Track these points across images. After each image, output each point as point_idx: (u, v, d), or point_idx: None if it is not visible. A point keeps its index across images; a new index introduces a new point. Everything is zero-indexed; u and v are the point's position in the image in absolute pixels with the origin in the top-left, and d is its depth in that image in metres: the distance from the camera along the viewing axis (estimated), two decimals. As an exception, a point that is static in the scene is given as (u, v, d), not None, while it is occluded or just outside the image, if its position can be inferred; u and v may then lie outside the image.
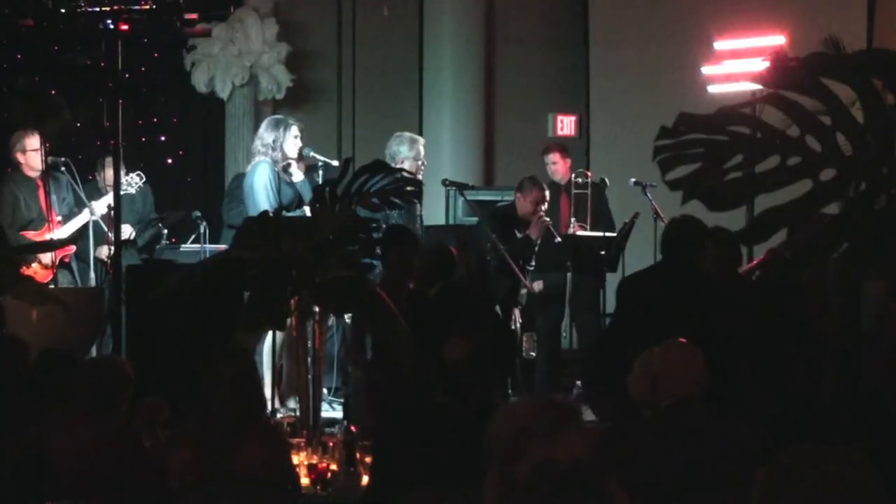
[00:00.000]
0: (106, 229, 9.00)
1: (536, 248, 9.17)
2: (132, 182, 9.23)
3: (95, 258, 9.15)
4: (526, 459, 2.62)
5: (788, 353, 6.39)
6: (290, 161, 8.67)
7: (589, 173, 10.00)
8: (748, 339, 6.36)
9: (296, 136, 8.68)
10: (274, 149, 8.58)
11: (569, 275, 9.24)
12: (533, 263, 9.19)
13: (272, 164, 8.54)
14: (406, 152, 9.00)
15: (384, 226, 7.97)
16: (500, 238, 9.01)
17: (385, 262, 7.45)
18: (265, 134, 8.68)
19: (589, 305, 9.62)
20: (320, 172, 9.06)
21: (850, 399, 6.32)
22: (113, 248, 9.04)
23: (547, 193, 9.32)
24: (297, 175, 8.74)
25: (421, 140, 9.25)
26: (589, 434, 2.89)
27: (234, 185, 9.43)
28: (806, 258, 6.29)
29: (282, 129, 8.65)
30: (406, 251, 7.31)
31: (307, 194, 8.37)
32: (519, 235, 9.18)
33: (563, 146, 10.49)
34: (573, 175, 9.90)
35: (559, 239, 9.26)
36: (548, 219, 9.23)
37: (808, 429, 5.97)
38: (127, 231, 8.87)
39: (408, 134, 9.31)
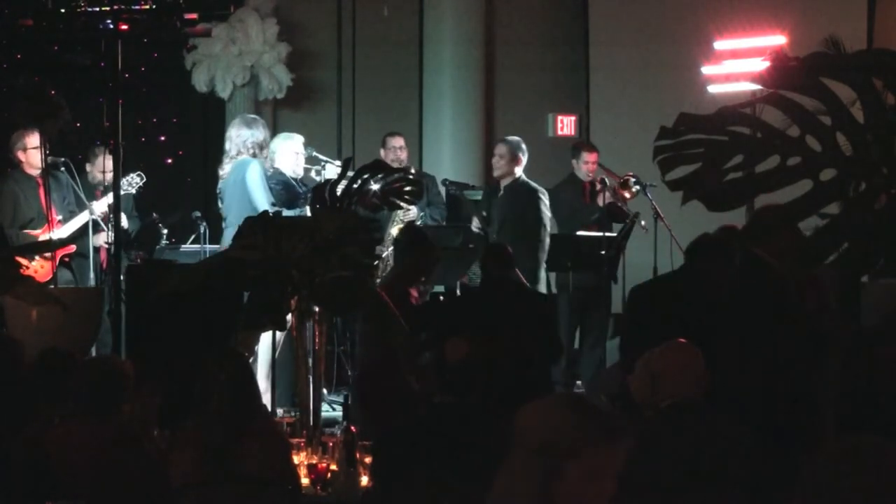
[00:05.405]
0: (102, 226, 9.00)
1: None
2: (132, 182, 9.22)
3: (94, 247, 9.07)
4: (578, 463, 2.61)
5: (786, 352, 6.38)
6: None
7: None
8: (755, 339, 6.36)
9: (297, 153, 8.69)
10: (262, 147, 8.57)
11: (571, 274, 9.24)
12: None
13: (262, 163, 8.53)
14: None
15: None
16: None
17: (402, 262, 7.43)
18: (247, 132, 8.60)
19: (596, 305, 9.61)
20: (323, 174, 9.04)
21: (849, 398, 6.31)
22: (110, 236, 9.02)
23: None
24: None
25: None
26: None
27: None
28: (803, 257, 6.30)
29: (261, 128, 8.64)
30: (424, 253, 7.33)
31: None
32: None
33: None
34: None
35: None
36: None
37: (807, 429, 5.97)
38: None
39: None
